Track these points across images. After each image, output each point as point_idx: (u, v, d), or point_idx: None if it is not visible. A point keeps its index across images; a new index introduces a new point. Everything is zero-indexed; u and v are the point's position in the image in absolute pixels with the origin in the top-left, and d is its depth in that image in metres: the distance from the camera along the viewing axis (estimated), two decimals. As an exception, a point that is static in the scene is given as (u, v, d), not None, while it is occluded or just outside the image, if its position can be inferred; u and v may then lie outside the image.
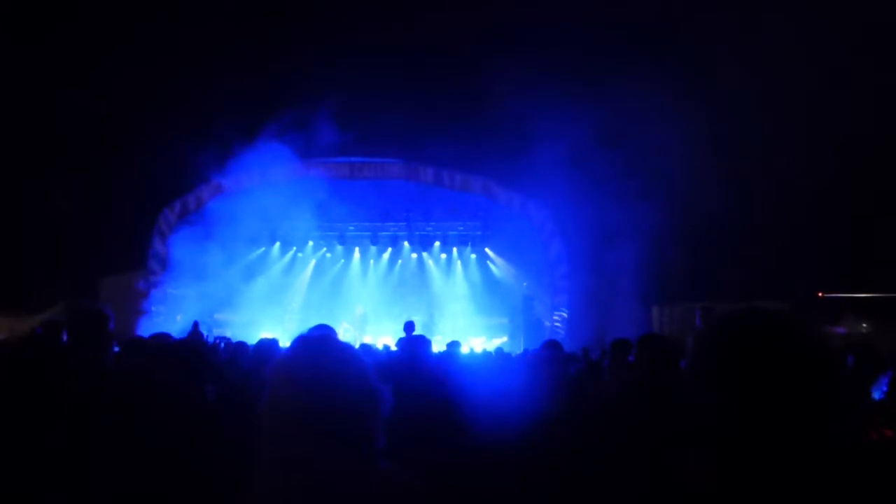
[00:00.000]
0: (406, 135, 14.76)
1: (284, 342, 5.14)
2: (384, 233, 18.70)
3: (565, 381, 3.37)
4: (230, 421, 2.26)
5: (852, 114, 11.07)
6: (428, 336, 5.10)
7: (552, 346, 4.11)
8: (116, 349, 5.10)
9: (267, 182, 16.06)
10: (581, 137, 12.22)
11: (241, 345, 5.25)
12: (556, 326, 15.31)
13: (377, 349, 8.65)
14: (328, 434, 1.26)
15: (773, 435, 1.20)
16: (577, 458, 2.27)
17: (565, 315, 15.41)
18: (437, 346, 8.14)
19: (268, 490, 1.28)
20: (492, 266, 18.70)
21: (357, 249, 19.06)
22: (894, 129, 10.99)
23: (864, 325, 12.25)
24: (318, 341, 1.44)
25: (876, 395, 4.04)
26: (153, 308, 14.85)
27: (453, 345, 6.82)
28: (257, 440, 1.32)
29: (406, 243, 18.91)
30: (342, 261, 19.09)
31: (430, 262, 18.96)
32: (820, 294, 13.14)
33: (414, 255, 19.04)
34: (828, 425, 1.21)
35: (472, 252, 18.72)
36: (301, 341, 1.44)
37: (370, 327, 16.37)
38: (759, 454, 1.20)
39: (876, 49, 10.92)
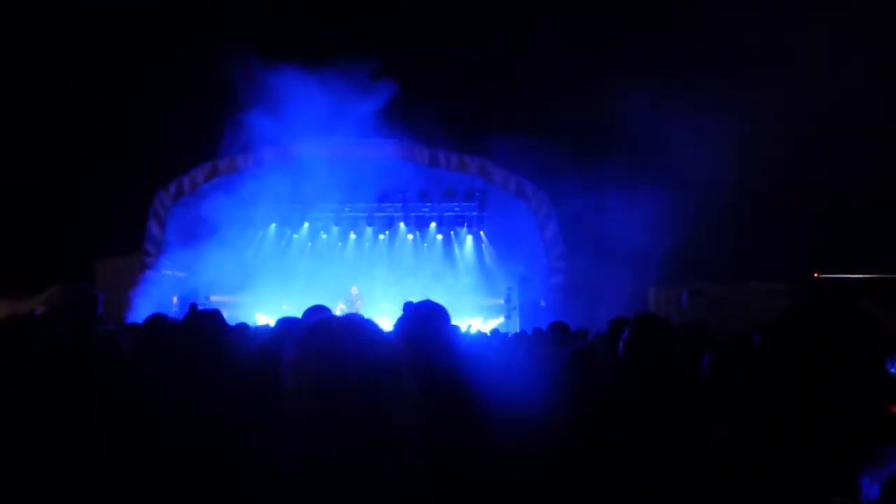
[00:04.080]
0: (401, 114, 14.66)
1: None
2: (380, 213, 18.67)
3: (571, 363, 3.38)
4: (248, 397, 2.27)
5: (848, 103, 11.05)
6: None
7: (558, 327, 4.08)
8: (111, 326, 5.11)
9: (261, 163, 15.97)
10: (579, 119, 12.17)
11: (242, 325, 5.22)
12: (552, 307, 15.34)
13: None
14: (352, 405, 1.28)
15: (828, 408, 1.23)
16: (591, 440, 2.29)
17: (560, 296, 15.46)
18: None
19: (296, 460, 1.29)
20: (486, 248, 18.70)
21: (352, 231, 19.03)
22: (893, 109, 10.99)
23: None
24: (346, 320, 1.46)
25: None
26: (149, 290, 14.81)
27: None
28: (280, 414, 1.33)
29: (402, 224, 18.87)
30: (339, 243, 19.05)
31: (425, 244, 18.95)
32: (816, 275, 13.21)
33: (410, 236, 19.02)
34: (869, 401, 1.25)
35: (468, 233, 18.70)
36: (329, 319, 1.46)
37: (366, 308, 16.36)
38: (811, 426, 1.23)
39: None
